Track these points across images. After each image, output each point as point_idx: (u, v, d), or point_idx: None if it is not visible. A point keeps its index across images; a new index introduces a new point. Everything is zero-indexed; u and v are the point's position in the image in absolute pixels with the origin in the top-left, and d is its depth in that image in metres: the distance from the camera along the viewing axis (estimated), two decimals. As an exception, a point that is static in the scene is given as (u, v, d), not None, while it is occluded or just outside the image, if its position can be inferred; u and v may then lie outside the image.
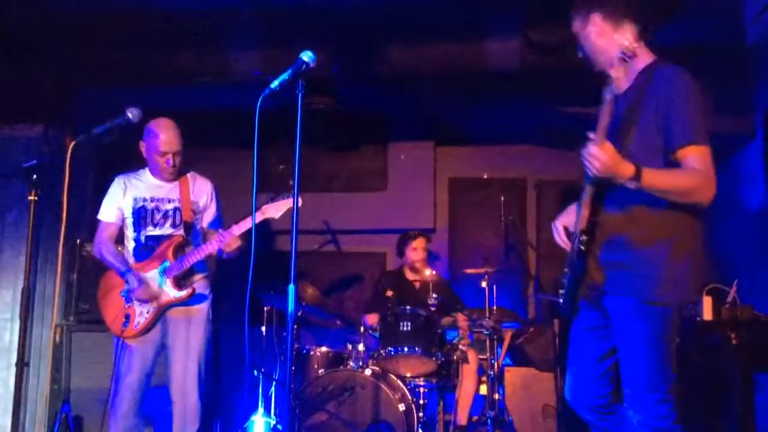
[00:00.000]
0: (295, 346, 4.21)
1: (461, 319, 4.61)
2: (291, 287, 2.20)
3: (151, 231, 3.41)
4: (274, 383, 4.53)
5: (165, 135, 3.36)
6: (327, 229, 5.84)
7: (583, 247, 2.31)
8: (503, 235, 5.44)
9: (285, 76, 2.26)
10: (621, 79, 2.38)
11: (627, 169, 2.13)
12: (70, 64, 4.49)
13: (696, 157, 2.18)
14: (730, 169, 4.53)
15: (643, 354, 2.27)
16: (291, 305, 2.20)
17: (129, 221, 3.45)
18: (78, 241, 4.48)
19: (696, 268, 2.28)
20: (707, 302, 3.46)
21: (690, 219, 2.27)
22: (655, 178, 2.16)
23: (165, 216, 3.42)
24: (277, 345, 4.52)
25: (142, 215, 3.42)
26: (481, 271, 4.49)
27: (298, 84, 2.26)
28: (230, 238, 3.27)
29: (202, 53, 4.45)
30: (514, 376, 4.63)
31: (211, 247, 3.32)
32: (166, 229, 3.42)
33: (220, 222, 3.58)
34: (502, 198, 5.53)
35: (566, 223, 2.51)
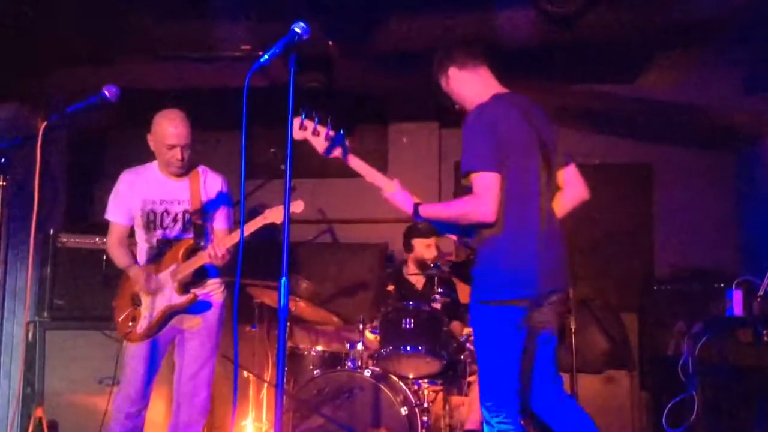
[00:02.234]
0: (288, 345, 4.22)
1: (455, 327, 4.63)
2: (283, 281, 2.20)
3: (162, 234, 3.51)
4: (265, 385, 4.54)
5: (173, 127, 3.39)
6: (322, 218, 5.85)
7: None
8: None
9: (275, 50, 2.24)
10: None
11: (407, 207, 2.93)
12: (41, 40, 4.46)
13: (473, 181, 2.70)
14: (761, 162, 4.55)
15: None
16: (283, 300, 2.20)
17: (138, 222, 3.53)
18: (51, 231, 4.48)
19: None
20: (737, 296, 3.46)
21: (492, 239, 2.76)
22: (431, 210, 2.90)
23: (174, 219, 3.50)
24: (269, 344, 4.53)
25: (151, 219, 3.50)
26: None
27: (290, 58, 2.25)
28: (221, 251, 3.34)
29: (183, 26, 4.42)
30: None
31: (201, 259, 3.41)
32: (177, 232, 3.51)
33: (230, 222, 3.64)
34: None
35: None
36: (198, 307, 3.49)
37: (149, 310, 3.46)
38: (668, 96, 4.98)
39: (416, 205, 2.88)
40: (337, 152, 3.02)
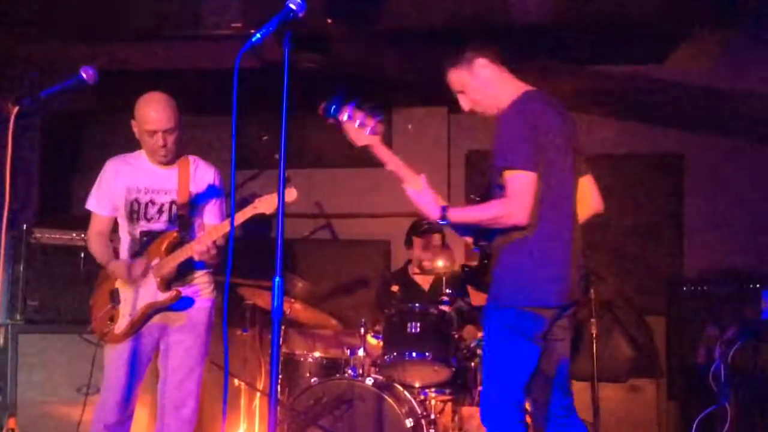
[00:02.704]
0: (283, 350, 4.23)
1: (468, 332, 4.63)
2: (277, 281, 2.20)
3: (145, 226, 3.52)
4: (257, 395, 4.56)
5: (155, 111, 3.41)
6: (320, 212, 5.85)
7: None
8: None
9: (269, 27, 2.24)
10: None
11: (433, 211, 2.88)
12: (11, 15, 4.46)
13: (506, 179, 2.72)
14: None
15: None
16: (276, 302, 2.20)
17: (122, 213, 3.55)
18: (25, 226, 4.49)
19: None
20: (773, 297, 3.46)
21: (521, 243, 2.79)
22: (460, 214, 2.88)
23: (160, 210, 3.52)
24: (262, 349, 4.54)
25: (134, 209, 3.52)
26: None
27: (285, 37, 2.25)
28: (208, 243, 3.34)
29: (168, 2, 4.42)
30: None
31: (186, 253, 3.41)
32: (162, 224, 3.52)
33: (222, 216, 3.65)
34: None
35: None
36: (183, 304, 3.49)
37: (129, 308, 3.46)
38: (702, 79, 4.95)
39: (444, 209, 2.85)
40: (368, 139, 3.02)
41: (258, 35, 2.24)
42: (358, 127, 2.94)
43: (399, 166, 3.01)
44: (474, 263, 2.97)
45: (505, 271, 2.81)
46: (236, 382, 4.51)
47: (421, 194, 2.92)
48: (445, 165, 5.97)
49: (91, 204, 3.61)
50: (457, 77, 3.05)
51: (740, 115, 5.28)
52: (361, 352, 4.23)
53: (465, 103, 3.05)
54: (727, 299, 4.84)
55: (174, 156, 3.54)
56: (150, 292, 3.45)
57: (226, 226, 3.35)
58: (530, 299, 2.75)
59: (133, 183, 3.53)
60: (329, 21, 4.39)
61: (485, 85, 2.97)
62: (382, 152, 3.04)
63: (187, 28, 4.52)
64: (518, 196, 2.68)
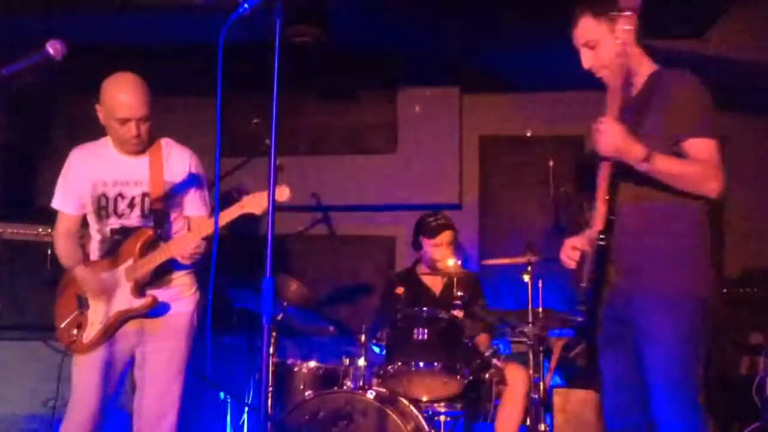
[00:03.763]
0: (275, 359, 4.24)
1: (482, 342, 4.63)
2: (267, 282, 2.20)
3: (115, 222, 3.51)
4: (246, 409, 4.57)
5: (126, 96, 3.38)
6: (317, 204, 5.86)
7: (602, 250, 2.81)
8: (552, 212, 5.44)
9: (258, -3, 2.25)
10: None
11: (639, 149, 2.71)
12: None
13: (702, 148, 2.78)
14: None
15: (674, 354, 2.80)
16: (267, 306, 2.21)
17: (89, 209, 3.55)
18: (-16, 221, 4.51)
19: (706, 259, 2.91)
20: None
21: (700, 212, 2.90)
22: (667, 162, 2.75)
23: (131, 204, 3.51)
24: (251, 358, 4.55)
25: (102, 205, 3.51)
26: (523, 260, 4.49)
27: (276, 8, 2.25)
28: (193, 243, 3.34)
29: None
30: (565, 400, 4.66)
31: (163, 255, 3.40)
32: (134, 220, 3.51)
33: (206, 206, 3.65)
34: (551, 162, 5.52)
35: (577, 243, 3.02)
36: (161, 309, 3.49)
37: (99, 315, 3.46)
38: (744, 54, 4.95)
39: (650, 150, 2.73)
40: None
41: (245, 6, 2.24)
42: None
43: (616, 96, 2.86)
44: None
45: (685, 247, 2.87)
46: (222, 394, 4.53)
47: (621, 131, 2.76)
48: (456, 150, 5.97)
49: (56, 201, 3.61)
50: (592, 27, 2.98)
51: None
52: (361, 362, 4.23)
53: (588, 60, 3.00)
54: (776, 303, 4.84)
55: (146, 144, 3.51)
56: (123, 298, 3.44)
57: (209, 227, 3.33)
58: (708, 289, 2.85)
59: (99, 176, 3.51)
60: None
61: (632, 47, 2.92)
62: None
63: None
64: (719, 164, 2.76)
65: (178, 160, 3.58)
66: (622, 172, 2.79)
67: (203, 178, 3.66)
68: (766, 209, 5.59)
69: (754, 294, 5.04)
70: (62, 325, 3.54)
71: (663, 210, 2.87)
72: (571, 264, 3.04)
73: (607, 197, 2.82)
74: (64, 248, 3.60)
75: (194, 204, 3.61)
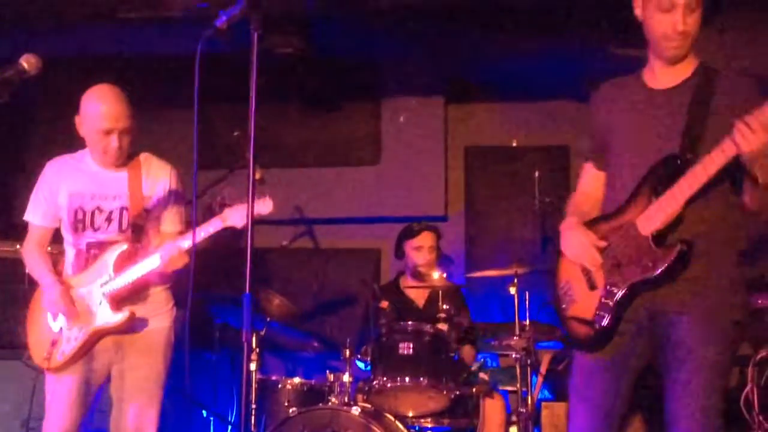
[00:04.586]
0: (258, 376, 4.22)
1: (467, 354, 4.64)
2: (247, 297, 2.20)
3: (91, 236, 3.50)
4: (229, 428, 4.55)
5: (107, 107, 3.39)
6: (300, 217, 5.85)
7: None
8: (539, 224, 5.45)
9: (233, 9, 2.25)
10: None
11: None
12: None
13: None
14: None
15: (719, 383, 2.73)
16: (247, 321, 2.20)
17: (65, 222, 3.53)
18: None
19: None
20: None
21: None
22: None
23: (109, 218, 3.50)
24: (234, 375, 4.54)
25: (79, 218, 3.49)
26: (509, 272, 4.51)
27: (252, 20, 2.26)
28: (176, 255, 3.34)
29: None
30: (554, 413, 4.66)
31: (139, 270, 3.39)
32: (111, 234, 3.50)
33: (181, 222, 3.63)
34: (537, 173, 5.54)
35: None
36: (138, 326, 3.47)
37: (75, 331, 3.43)
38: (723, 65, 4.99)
39: None
40: None
41: (222, 19, 2.25)
42: None
43: None
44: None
45: (737, 274, 2.80)
46: (204, 413, 4.51)
47: None
48: (441, 161, 5.98)
49: (29, 215, 3.59)
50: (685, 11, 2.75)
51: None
52: (346, 377, 4.22)
53: (682, 23, 2.72)
54: (762, 313, 4.84)
55: (127, 157, 3.52)
56: (99, 314, 3.42)
57: (187, 241, 3.31)
58: None
59: (77, 189, 3.50)
60: (308, 1, 4.41)
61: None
62: None
63: (147, 9, 4.53)
64: None
65: (158, 175, 3.58)
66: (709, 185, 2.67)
67: (182, 194, 3.65)
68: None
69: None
70: (32, 343, 3.51)
71: (729, 230, 2.80)
72: (597, 263, 2.87)
73: (681, 201, 2.69)
74: (35, 262, 3.57)
75: (170, 220, 3.60)
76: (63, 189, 3.51)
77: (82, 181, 3.51)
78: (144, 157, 3.60)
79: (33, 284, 4.07)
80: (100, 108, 3.38)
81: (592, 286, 2.87)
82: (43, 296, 3.51)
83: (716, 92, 2.76)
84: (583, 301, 2.90)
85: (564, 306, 2.98)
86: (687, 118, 2.76)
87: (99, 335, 3.44)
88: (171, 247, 3.35)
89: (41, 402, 3.51)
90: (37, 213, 3.57)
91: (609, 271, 2.83)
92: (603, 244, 2.85)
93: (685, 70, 2.84)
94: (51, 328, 3.49)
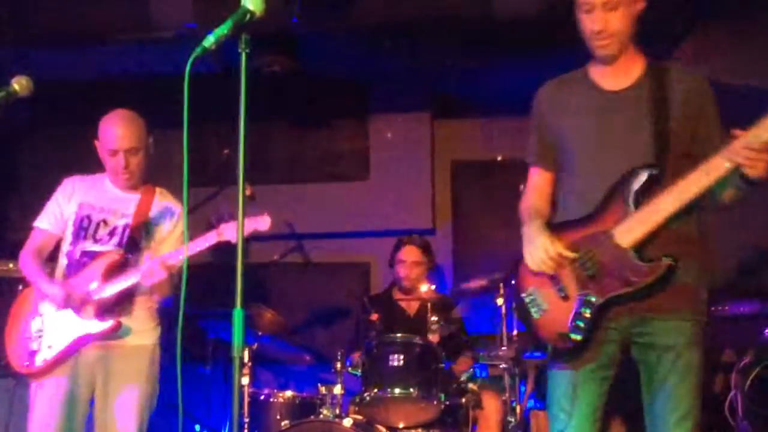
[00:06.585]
0: (249, 390, 4.23)
1: (464, 364, 4.65)
2: (237, 311, 2.21)
3: (90, 246, 3.52)
4: (222, 441, 4.54)
5: (117, 128, 3.49)
6: (291, 232, 5.86)
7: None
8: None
9: (223, 29, 2.26)
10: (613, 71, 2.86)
11: None
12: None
13: None
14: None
15: (700, 382, 2.76)
16: (238, 335, 2.21)
17: (69, 230, 3.56)
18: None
19: None
20: None
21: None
22: None
23: (112, 233, 3.54)
24: (226, 388, 4.53)
25: (84, 226, 3.54)
26: (496, 283, 4.52)
27: (241, 40, 2.28)
28: (156, 268, 3.33)
29: (114, 2, 4.46)
30: (542, 422, 4.67)
31: (129, 279, 3.39)
32: (109, 248, 3.51)
33: (179, 252, 3.61)
34: (522, 186, 5.55)
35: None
36: (123, 333, 3.44)
37: (56, 337, 3.41)
38: (712, 76, 5.02)
39: None
40: None
41: (211, 39, 2.26)
42: None
43: None
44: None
45: (704, 279, 2.84)
46: (197, 427, 4.50)
47: None
48: (428, 176, 6.01)
49: (38, 222, 3.61)
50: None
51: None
52: (338, 390, 4.23)
53: (600, 22, 2.75)
54: (745, 320, 4.86)
55: (139, 181, 3.59)
56: (84, 321, 3.40)
57: (181, 253, 3.32)
58: None
59: (88, 200, 3.57)
60: (295, 20, 4.43)
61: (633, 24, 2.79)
62: None
63: (136, 31, 4.54)
64: None
65: (167, 206, 3.65)
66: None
67: (183, 233, 3.64)
68: (732, 228, 5.64)
69: (726, 311, 5.07)
70: (12, 349, 3.48)
71: (692, 233, 2.80)
72: (550, 269, 2.80)
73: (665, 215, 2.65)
74: (32, 264, 3.54)
75: (170, 245, 3.59)
76: (75, 198, 3.59)
77: (95, 196, 3.60)
78: (159, 190, 3.68)
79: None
80: (108, 129, 3.51)
81: (565, 296, 2.79)
82: (43, 295, 3.49)
83: (673, 89, 2.76)
84: (554, 311, 2.82)
85: (534, 314, 2.89)
86: (651, 120, 2.73)
87: (83, 341, 3.41)
88: (154, 260, 3.36)
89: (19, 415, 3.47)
90: (45, 219, 3.61)
91: (583, 281, 2.75)
92: (572, 255, 2.77)
93: (634, 68, 2.83)
94: (31, 334, 3.46)
